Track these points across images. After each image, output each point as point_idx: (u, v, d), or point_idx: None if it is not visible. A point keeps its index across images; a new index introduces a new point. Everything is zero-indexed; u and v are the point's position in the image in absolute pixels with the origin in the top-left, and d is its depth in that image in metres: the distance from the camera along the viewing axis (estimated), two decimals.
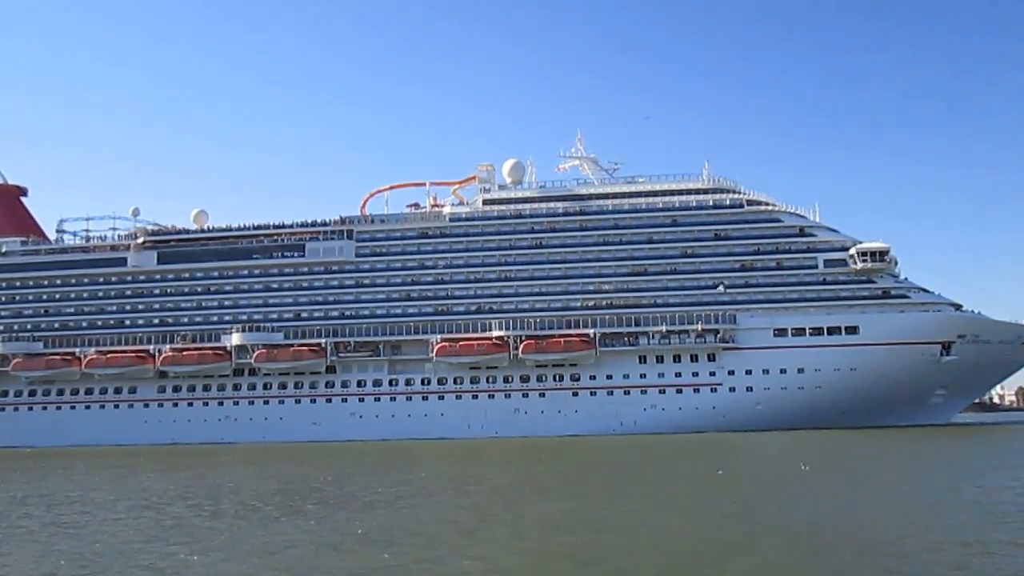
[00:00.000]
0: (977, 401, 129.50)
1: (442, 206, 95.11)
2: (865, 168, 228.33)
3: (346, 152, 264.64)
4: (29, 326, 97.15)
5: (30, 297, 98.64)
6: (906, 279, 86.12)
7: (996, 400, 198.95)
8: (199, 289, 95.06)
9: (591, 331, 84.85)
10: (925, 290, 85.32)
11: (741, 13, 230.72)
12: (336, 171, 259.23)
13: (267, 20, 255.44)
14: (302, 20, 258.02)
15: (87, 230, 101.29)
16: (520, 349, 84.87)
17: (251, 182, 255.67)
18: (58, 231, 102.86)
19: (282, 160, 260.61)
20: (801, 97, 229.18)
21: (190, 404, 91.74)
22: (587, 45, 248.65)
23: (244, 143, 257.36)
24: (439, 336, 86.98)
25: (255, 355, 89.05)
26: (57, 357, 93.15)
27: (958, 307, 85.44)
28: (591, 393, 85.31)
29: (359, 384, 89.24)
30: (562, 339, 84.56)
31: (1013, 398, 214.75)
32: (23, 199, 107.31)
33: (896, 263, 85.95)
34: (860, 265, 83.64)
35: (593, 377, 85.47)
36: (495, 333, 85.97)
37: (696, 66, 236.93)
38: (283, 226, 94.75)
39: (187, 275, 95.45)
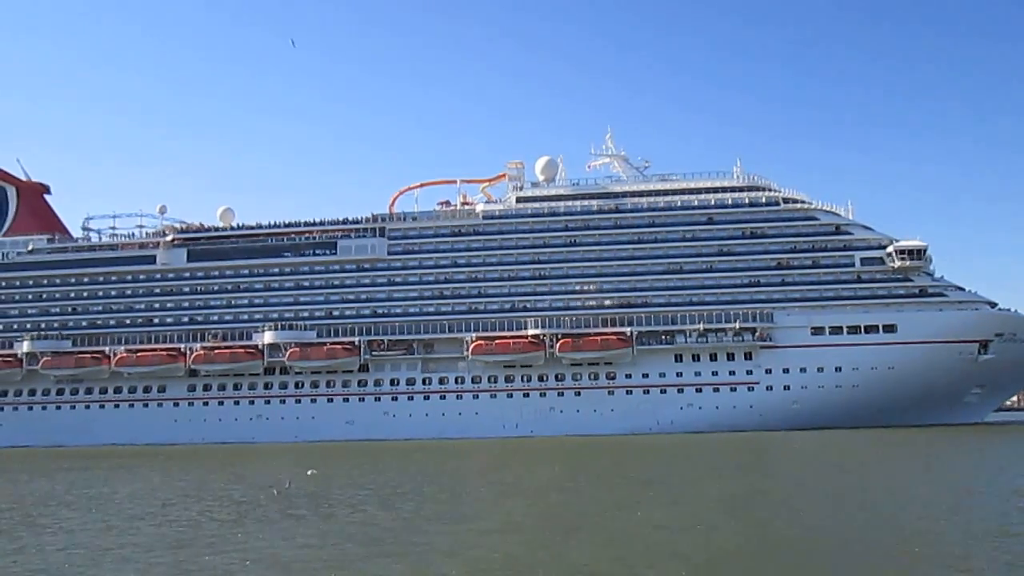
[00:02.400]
0: None
1: (471, 204, 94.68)
2: (886, 169, 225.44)
3: (369, 154, 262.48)
4: (56, 324, 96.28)
5: (57, 295, 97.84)
6: (942, 277, 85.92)
7: None
8: (229, 287, 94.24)
9: (628, 329, 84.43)
10: (961, 288, 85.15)
11: (761, 14, 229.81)
12: (358, 173, 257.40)
13: (294, 26, 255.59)
14: (328, 25, 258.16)
15: (113, 228, 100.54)
16: (556, 347, 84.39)
17: (275, 183, 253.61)
18: (84, 228, 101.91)
19: (306, 161, 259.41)
20: (824, 98, 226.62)
21: (220, 403, 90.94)
22: (608, 46, 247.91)
23: (266, 145, 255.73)
24: (474, 334, 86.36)
25: (288, 353, 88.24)
26: (87, 355, 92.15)
27: (993, 305, 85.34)
28: (627, 392, 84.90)
29: (392, 383, 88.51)
30: (599, 337, 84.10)
31: (1015, 397, 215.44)
32: (46, 197, 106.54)
33: (931, 261, 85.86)
34: (898, 263, 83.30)
35: (629, 376, 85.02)
36: (531, 331, 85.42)
37: (714, 69, 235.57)
38: (314, 224, 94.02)
39: (217, 273, 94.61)
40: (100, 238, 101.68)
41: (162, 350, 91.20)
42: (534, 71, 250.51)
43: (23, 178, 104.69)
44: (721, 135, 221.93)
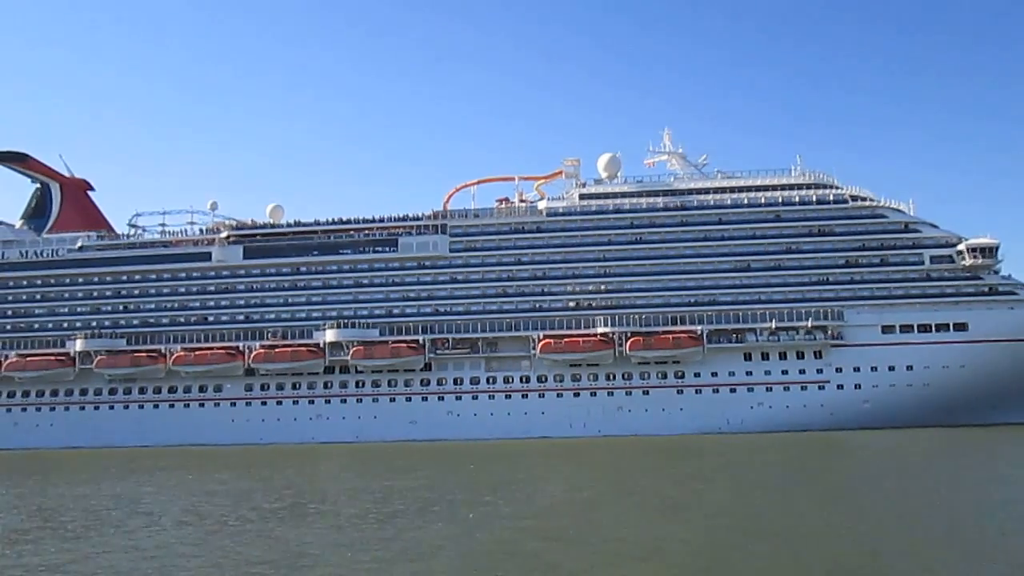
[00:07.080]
0: None
1: (527, 201, 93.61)
2: (933, 168, 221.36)
3: (401, 159, 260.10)
4: (108, 323, 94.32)
5: (108, 292, 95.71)
6: (1010, 275, 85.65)
7: None
8: (286, 285, 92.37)
9: (699, 328, 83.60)
10: None
11: (789, 15, 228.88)
12: (392, 176, 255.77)
13: (342, 36, 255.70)
14: (367, 31, 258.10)
15: (163, 224, 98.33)
16: (626, 346, 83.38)
17: (313, 185, 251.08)
18: (131, 225, 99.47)
19: (341, 166, 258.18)
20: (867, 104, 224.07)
21: (279, 403, 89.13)
22: (636, 55, 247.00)
23: (305, 150, 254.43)
24: (542, 333, 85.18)
25: (351, 352, 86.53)
26: (143, 354, 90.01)
27: None
28: (696, 391, 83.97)
29: (456, 382, 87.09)
30: (670, 336, 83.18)
31: None
32: (90, 194, 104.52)
33: (1001, 259, 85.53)
34: (969, 261, 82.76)
35: (698, 375, 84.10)
36: (600, 330, 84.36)
37: (727, 75, 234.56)
38: (373, 220, 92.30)
39: (274, 270, 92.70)
40: (143, 235, 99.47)
41: (220, 349, 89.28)
42: (571, 78, 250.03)
43: (66, 174, 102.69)
44: (762, 140, 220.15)
